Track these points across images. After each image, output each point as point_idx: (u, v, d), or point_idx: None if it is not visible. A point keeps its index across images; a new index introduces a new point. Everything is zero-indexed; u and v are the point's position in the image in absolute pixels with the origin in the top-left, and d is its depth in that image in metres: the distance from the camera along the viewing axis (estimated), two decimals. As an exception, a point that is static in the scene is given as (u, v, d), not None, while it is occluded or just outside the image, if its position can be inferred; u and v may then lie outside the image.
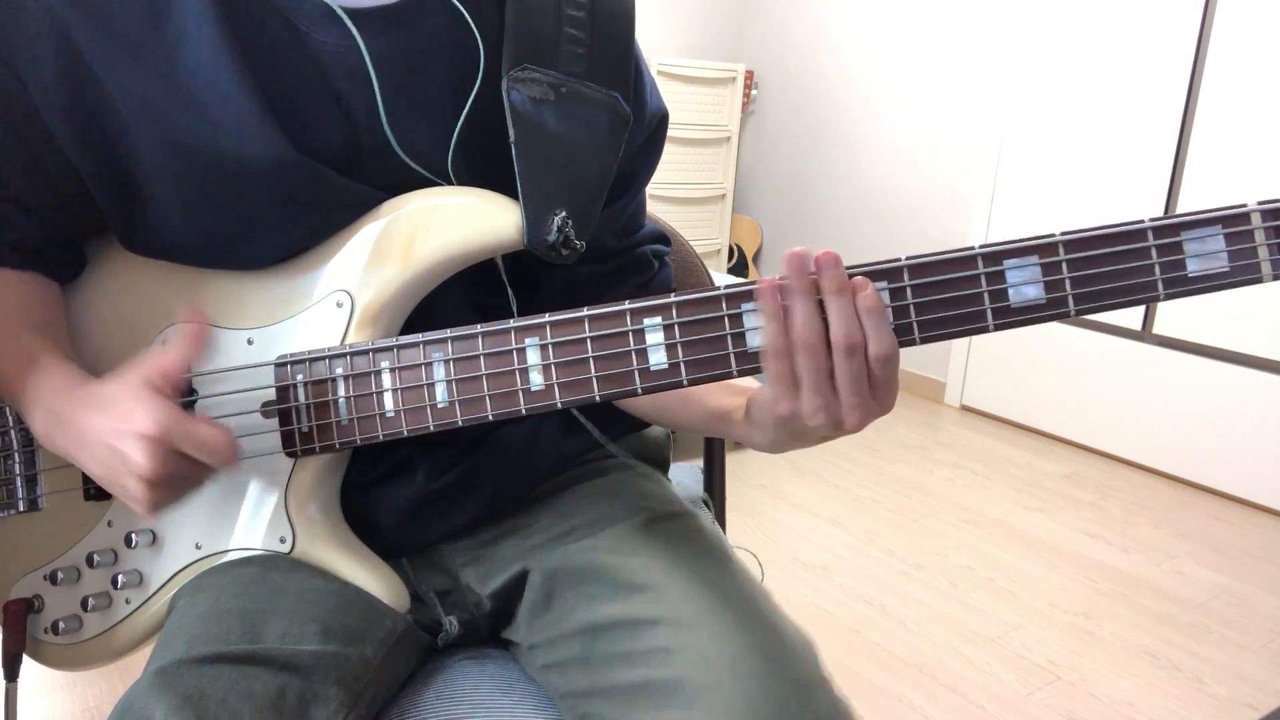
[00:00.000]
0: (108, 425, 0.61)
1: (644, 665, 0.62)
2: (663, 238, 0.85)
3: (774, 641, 0.63)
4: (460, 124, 0.69)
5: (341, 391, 0.67)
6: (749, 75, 3.81)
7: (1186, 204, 2.63)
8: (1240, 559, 2.24)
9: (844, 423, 0.57)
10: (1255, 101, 2.46)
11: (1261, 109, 2.45)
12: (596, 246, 0.76)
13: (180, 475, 0.62)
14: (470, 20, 0.68)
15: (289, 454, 0.69)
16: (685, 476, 1.05)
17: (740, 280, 0.62)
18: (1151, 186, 2.68)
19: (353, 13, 0.66)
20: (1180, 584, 2.11)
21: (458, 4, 0.68)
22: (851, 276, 0.56)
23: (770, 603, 0.68)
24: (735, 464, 2.62)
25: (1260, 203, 0.55)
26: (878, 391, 0.57)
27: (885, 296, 0.58)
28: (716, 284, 1.09)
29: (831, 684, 0.63)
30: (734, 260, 3.99)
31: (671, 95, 3.49)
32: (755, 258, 4.02)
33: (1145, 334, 2.76)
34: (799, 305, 0.56)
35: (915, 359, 3.43)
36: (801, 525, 2.30)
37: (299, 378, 0.68)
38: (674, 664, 0.61)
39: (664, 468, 0.89)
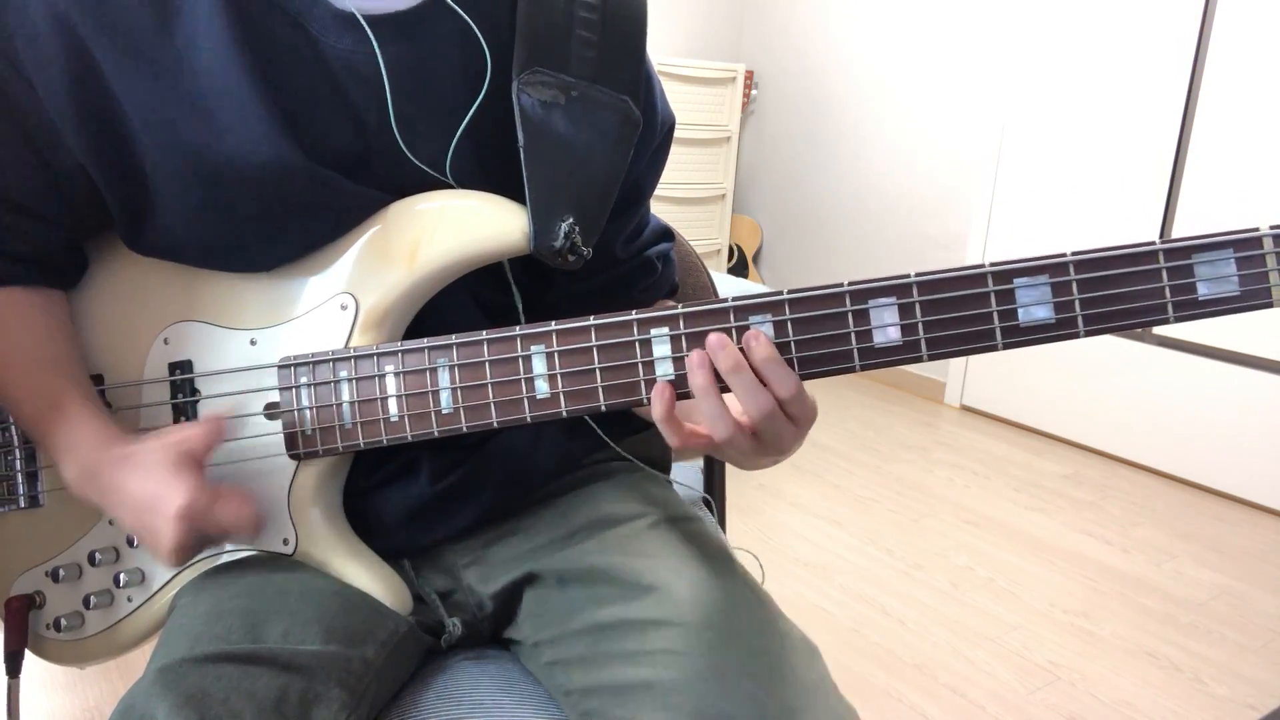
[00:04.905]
0: (142, 498, 0.63)
1: (649, 665, 0.62)
2: (667, 234, 0.85)
3: (780, 647, 0.64)
4: (462, 129, 0.68)
5: (345, 395, 0.67)
6: (749, 75, 3.81)
7: (1186, 206, 2.63)
8: (1240, 559, 2.24)
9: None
10: (1255, 101, 2.46)
11: (1261, 109, 2.45)
12: (605, 256, 0.76)
13: (204, 542, 0.65)
14: (477, 30, 0.67)
15: (292, 456, 0.69)
16: (685, 477, 1.05)
17: (749, 289, 0.63)
18: (1152, 187, 2.68)
19: (366, 19, 0.65)
20: (1180, 584, 2.11)
21: (464, 14, 0.67)
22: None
23: (775, 608, 0.68)
24: (735, 464, 2.62)
25: (1272, 227, 0.55)
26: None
27: (895, 313, 0.58)
28: (716, 284, 1.09)
29: (836, 690, 0.63)
30: (734, 260, 3.99)
31: (672, 95, 3.45)
32: (755, 258, 4.01)
33: (1145, 334, 2.76)
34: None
35: (915, 359, 3.41)
36: (801, 525, 2.30)
37: (302, 380, 0.68)
38: (680, 665, 0.61)
39: (666, 469, 0.89)
